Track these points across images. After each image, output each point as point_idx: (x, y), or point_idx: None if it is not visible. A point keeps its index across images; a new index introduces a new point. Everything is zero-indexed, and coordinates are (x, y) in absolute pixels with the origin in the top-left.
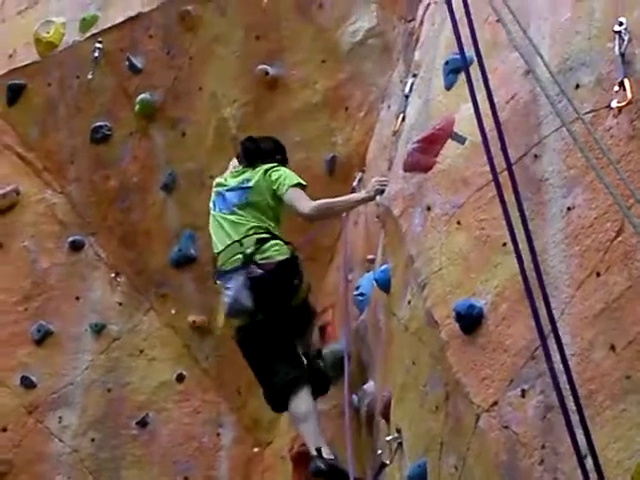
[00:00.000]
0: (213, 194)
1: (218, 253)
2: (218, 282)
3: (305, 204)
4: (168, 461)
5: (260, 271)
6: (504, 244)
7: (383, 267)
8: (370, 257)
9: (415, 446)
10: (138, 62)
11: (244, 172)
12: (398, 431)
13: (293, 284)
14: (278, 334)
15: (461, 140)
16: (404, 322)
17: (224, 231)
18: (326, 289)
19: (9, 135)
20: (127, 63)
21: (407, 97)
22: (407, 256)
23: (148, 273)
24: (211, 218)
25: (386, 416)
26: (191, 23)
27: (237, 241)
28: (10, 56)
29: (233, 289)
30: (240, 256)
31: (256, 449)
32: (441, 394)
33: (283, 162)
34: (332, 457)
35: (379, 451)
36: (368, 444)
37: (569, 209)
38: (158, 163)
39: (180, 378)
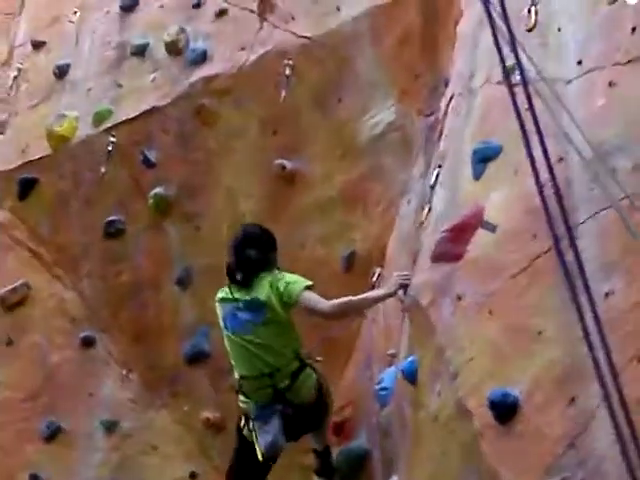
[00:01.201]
0: (220, 310)
1: (241, 377)
2: (252, 421)
3: (324, 304)
4: None
5: (292, 410)
6: (539, 333)
7: (410, 358)
8: (391, 352)
9: None
10: (152, 156)
11: (250, 286)
12: None
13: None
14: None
15: (491, 228)
16: (433, 413)
17: (247, 357)
18: (344, 385)
19: (19, 230)
20: (141, 157)
21: (432, 188)
22: (437, 346)
23: (161, 369)
24: (227, 338)
25: None
26: (207, 117)
27: (267, 375)
28: (22, 151)
29: (271, 432)
30: (270, 390)
31: None
32: None
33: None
34: None
35: None
36: None
37: (607, 295)
38: (172, 258)
39: (193, 476)
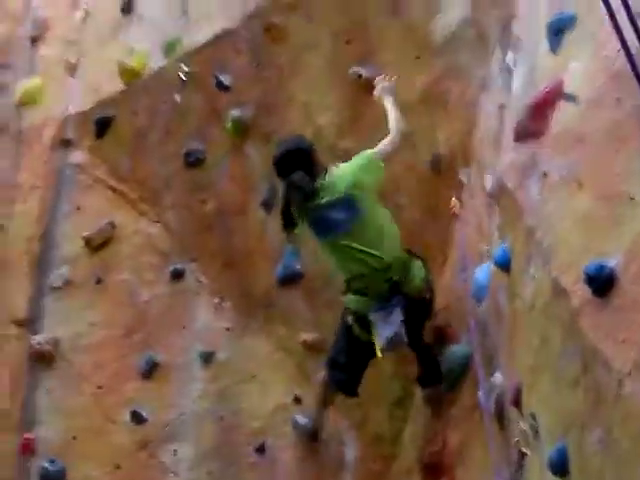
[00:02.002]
0: (304, 220)
1: (352, 277)
2: (369, 316)
3: (389, 143)
4: None
5: (408, 303)
6: (632, 198)
7: (502, 246)
8: (485, 248)
9: (553, 430)
10: (226, 80)
11: (323, 187)
12: (533, 417)
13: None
14: None
15: (573, 99)
16: (529, 300)
17: (352, 257)
18: (441, 289)
19: (100, 169)
20: (215, 82)
21: (510, 72)
22: (527, 228)
23: (254, 295)
24: (324, 247)
25: (517, 404)
26: (278, 34)
27: (381, 270)
28: (95, 90)
29: (394, 325)
30: (387, 285)
31: (380, 464)
32: (577, 367)
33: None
34: None
35: (516, 439)
36: (501, 440)
37: None
38: (255, 180)
39: (297, 400)
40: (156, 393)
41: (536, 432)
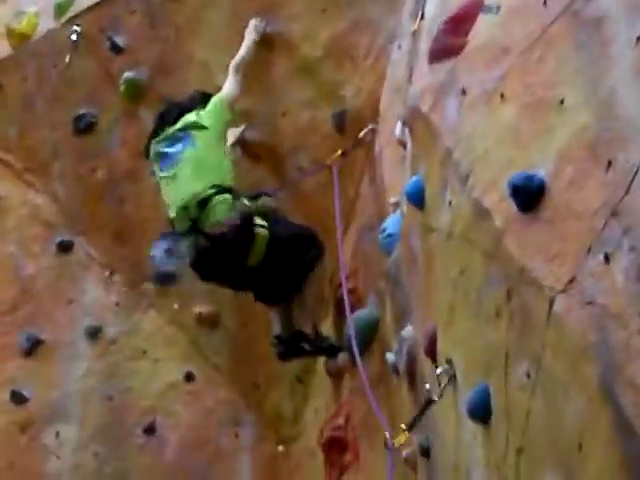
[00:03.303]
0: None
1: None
2: None
3: (227, 90)
4: (182, 469)
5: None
6: (562, 101)
7: (414, 179)
8: (394, 200)
9: (472, 372)
10: (120, 41)
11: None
12: (448, 362)
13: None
14: None
15: (495, 10)
16: (446, 230)
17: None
18: (347, 253)
19: None
20: (108, 43)
21: None
22: (443, 151)
23: (146, 267)
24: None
25: (432, 353)
26: None
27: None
28: None
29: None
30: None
31: (281, 447)
32: (501, 295)
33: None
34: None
35: (426, 386)
36: (412, 400)
37: (639, 39)
38: None
39: (189, 377)
40: (39, 372)
41: (452, 377)
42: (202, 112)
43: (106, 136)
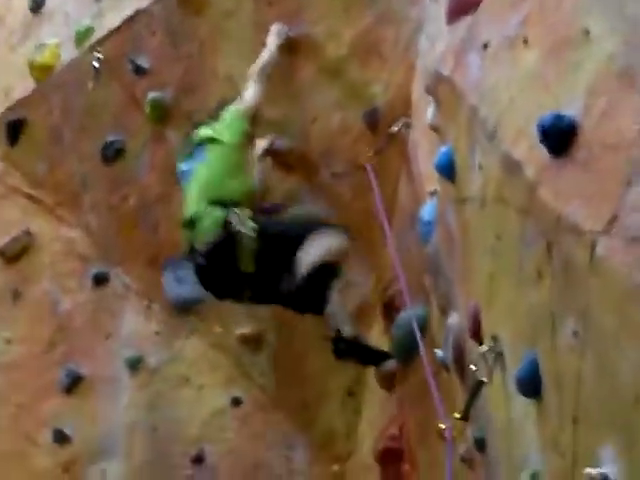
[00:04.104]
0: None
1: None
2: None
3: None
4: None
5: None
6: (587, 32)
7: (442, 150)
8: (431, 190)
9: (518, 343)
10: (143, 62)
11: None
12: (494, 339)
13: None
14: None
15: None
16: (479, 195)
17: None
18: (388, 259)
19: (14, 176)
20: (131, 66)
21: None
22: (469, 110)
23: None
24: None
25: (477, 334)
26: (195, 4)
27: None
28: (6, 94)
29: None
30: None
31: (336, 466)
32: (540, 252)
33: None
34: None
35: (472, 367)
36: (464, 392)
37: None
38: None
39: (236, 402)
40: (80, 408)
41: (499, 355)
42: (218, 125)
43: (135, 162)
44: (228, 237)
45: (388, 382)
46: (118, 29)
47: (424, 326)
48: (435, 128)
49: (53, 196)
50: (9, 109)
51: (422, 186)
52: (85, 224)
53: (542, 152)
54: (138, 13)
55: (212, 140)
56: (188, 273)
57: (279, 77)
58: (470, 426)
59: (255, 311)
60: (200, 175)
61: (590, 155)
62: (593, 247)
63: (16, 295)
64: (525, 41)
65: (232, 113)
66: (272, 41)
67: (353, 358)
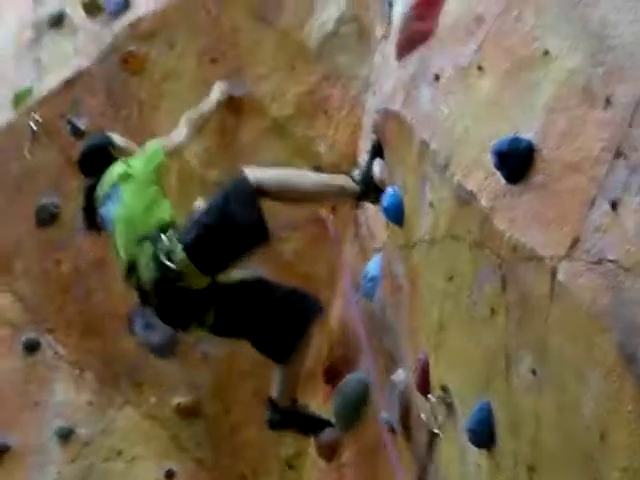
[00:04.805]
0: None
1: None
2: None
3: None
4: None
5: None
6: (546, 52)
7: (389, 191)
8: (377, 247)
9: (470, 391)
10: (81, 124)
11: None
12: (444, 389)
13: None
14: None
15: None
16: (429, 236)
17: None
18: (334, 324)
19: None
20: (69, 127)
21: (391, 5)
22: (419, 146)
23: (119, 361)
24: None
25: (424, 387)
26: (136, 65)
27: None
28: None
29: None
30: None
31: None
32: (495, 288)
33: None
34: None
35: (422, 416)
36: (413, 454)
37: None
38: None
39: (170, 475)
40: None
41: (449, 406)
42: (132, 160)
43: (70, 226)
44: (166, 267)
45: (328, 451)
46: (58, 90)
47: (366, 392)
48: (381, 182)
49: None
50: None
51: (369, 243)
52: (16, 290)
53: (498, 180)
54: (79, 74)
55: (126, 177)
56: (154, 317)
57: (221, 137)
58: None
59: (192, 380)
60: (121, 218)
61: (550, 178)
62: (554, 273)
63: None
64: (480, 67)
65: (153, 146)
66: (213, 94)
67: (289, 428)
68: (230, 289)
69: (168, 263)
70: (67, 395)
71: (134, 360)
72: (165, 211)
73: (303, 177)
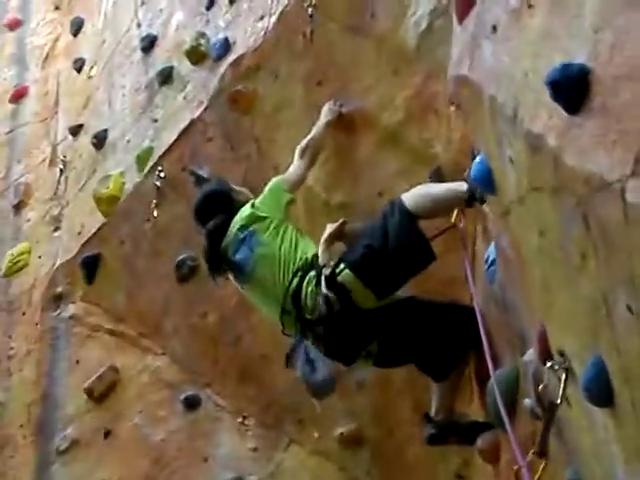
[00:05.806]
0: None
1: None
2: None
3: (293, 172)
4: None
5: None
6: None
7: (476, 161)
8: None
9: (582, 346)
10: (204, 172)
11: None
12: (561, 354)
13: None
14: None
15: None
16: (516, 195)
17: (261, 300)
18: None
19: (95, 315)
20: (193, 178)
21: None
22: (489, 103)
23: (277, 402)
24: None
25: (547, 356)
26: (245, 103)
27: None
28: (79, 233)
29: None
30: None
31: None
32: (579, 230)
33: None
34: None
35: (542, 385)
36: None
37: None
38: None
39: None
40: None
41: (568, 371)
42: (257, 201)
43: (209, 277)
44: (335, 288)
45: (492, 454)
46: (176, 144)
47: (517, 382)
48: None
49: (135, 327)
50: (82, 248)
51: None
52: (170, 350)
53: (560, 115)
54: (192, 122)
55: (256, 219)
56: (315, 352)
57: (339, 158)
58: (566, 468)
59: (351, 408)
60: (267, 256)
61: (606, 96)
62: (623, 194)
63: (107, 434)
64: (530, 5)
65: (271, 186)
66: (322, 118)
67: (450, 440)
68: (390, 311)
69: (327, 292)
70: (232, 445)
71: (292, 398)
72: (308, 244)
73: (438, 189)
